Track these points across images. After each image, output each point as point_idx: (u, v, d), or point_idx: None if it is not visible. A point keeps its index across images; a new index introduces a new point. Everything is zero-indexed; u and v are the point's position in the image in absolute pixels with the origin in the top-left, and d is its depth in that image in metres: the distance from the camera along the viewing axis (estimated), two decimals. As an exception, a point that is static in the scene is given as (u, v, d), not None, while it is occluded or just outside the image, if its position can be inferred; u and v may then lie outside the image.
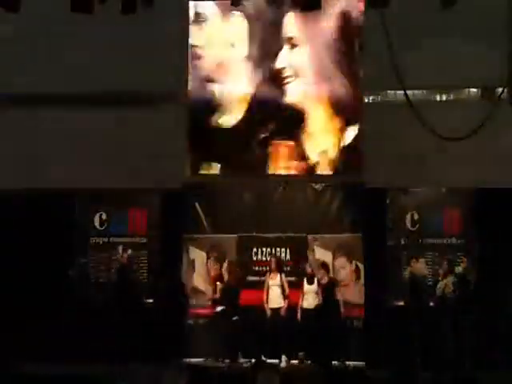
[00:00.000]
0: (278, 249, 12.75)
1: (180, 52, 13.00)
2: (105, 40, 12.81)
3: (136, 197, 13.18)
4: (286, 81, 12.86)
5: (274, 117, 12.83)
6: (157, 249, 12.89)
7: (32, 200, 12.86)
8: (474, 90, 12.58)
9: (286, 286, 12.17)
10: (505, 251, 11.94)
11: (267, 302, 12.14)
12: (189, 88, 13.08)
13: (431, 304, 12.02)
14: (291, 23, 12.82)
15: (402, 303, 12.18)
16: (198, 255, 12.86)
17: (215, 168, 12.95)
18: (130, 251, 12.55)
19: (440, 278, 11.99)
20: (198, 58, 13.19)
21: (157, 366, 6.58)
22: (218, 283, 12.37)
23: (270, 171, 12.84)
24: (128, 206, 13.17)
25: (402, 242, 12.64)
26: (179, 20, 12.95)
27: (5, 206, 12.72)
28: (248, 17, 12.96)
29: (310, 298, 12.02)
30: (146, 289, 12.66)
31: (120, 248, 12.68)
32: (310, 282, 12.07)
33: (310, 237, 12.72)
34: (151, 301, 12.48)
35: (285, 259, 12.74)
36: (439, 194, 12.75)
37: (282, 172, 12.85)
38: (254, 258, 12.80)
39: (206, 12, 13.18)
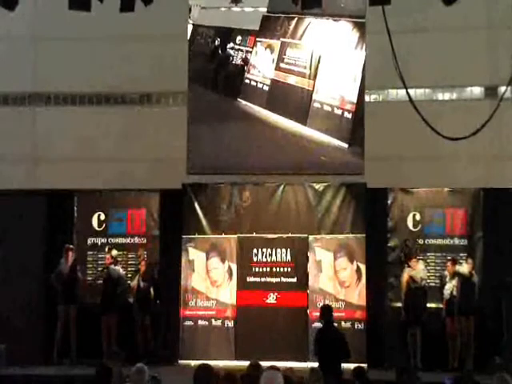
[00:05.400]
0: (279, 249, 12.66)
1: (181, 53, 12.94)
2: (104, 40, 12.79)
3: (135, 197, 13.09)
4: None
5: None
6: (156, 249, 12.79)
7: (31, 200, 12.78)
8: (477, 88, 12.50)
9: None
10: (508, 251, 11.85)
11: None
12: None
13: (441, 306, 11.95)
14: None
15: (402, 304, 12.08)
16: (197, 255, 12.79)
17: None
18: (114, 252, 12.47)
19: (448, 280, 11.88)
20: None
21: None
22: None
23: (271, 171, 12.78)
24: (127, 207, 13.08)
25: (404, 243, 12.51)
26: (180, 20, 12.91)
27: (5, 205, 12.63)
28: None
29: None
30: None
31: (106, 249, 12.63)
32: None
33: (310, 237, 12.64)
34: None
35: (285, 260, 12.67)
36: (441, 194, 12.64)
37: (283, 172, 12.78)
38: (254, 259, 12.71)
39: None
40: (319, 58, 12.82)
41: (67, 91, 13.16)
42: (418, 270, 11.96)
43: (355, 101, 12.58)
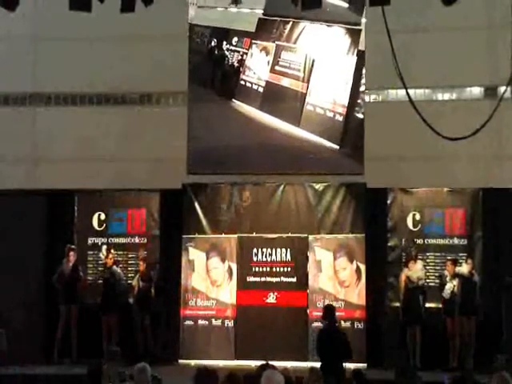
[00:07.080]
0: (279, 249, 12.67)
1: (180, 53, 12.94)
2: (105, 40, 12.80)
3: (135, 197, 13.09)
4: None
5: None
6: (156, 249, 12.80)
7: (31, 200, 12.78)
8: (477, 88, 12.50)
9: None
10: (508, 251, 11.85)
11: None
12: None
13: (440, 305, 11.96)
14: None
15: (401, 304, 12.09)
16: (197, 255, 12.79)
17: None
18: (112, 251, 12.49)
19: (448, 280, 11.88)
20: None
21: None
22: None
23: (271, 171, 12.79)
24: (127, 207, 13.09)
25: (404, 243, 12.52)
26: (179, 20, 12.92)
27: (5, 205, 12.63)
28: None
29: None
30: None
31: (104, 248, 12.63)
32: None
33: (310, 237, 12.65)
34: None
35: (285, 259, 12.68)
36: (441, 194, 12.64)
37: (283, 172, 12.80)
38: (254, 259, 12.72)
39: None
40: (313, 61, 12.93)
41: (67, 91, 13.14)
42: (415, 270, 11.97)
43: (346, 104, 12.69)
